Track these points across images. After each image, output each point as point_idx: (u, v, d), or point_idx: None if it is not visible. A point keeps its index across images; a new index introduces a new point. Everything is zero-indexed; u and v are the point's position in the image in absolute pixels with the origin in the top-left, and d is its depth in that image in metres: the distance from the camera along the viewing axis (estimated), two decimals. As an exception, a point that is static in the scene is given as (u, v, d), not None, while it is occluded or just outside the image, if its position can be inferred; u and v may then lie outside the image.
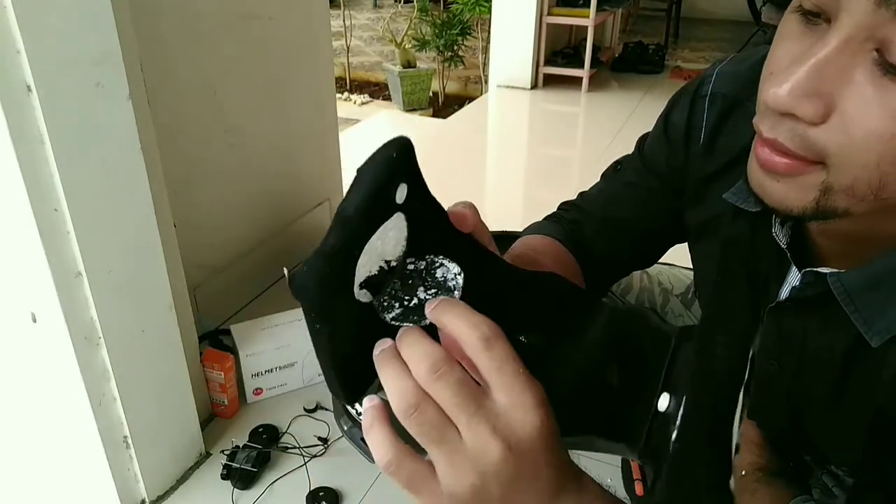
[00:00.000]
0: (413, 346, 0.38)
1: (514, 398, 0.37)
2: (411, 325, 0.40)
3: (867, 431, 0.57)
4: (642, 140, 0.80)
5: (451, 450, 0.37)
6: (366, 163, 0.38)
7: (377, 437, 0.39)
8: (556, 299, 0.49)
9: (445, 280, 0.42)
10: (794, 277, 0.61)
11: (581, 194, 0.85)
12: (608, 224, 0.79)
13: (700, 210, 0.71)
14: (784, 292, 0.62)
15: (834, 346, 0.57)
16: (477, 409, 0.37)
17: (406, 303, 0.41)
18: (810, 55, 0.42)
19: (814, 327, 0.59)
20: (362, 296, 0.39)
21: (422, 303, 0.41)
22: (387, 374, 0.38)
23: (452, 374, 0.37)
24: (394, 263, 0.41)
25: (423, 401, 0.37)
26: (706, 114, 0.68)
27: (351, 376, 0.41)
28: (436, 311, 0.39)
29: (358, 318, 0.40)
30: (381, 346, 0.40)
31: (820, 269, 0.56)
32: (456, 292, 0.41)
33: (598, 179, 0.84)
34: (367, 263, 0.39)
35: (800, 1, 0.45)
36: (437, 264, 0.42)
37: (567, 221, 0.80)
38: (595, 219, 0.79)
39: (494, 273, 0.45)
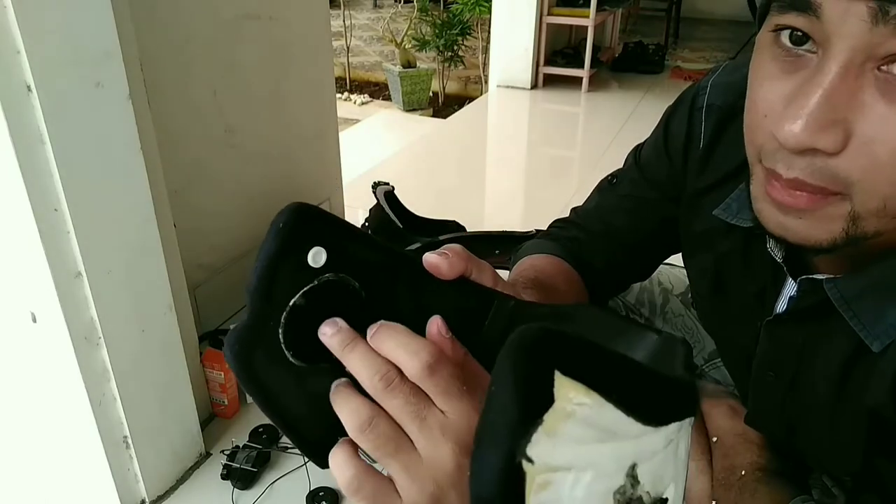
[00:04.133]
0: (364, 359, 0.38)
1: (461, 411, 0.38)
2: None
3: (866, 437, 0.56)
4: (636, 151, 0.80)
5: (406, 459, 0.38)
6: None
7: (340, 457, 0.39)
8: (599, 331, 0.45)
9: None
10: (790, 289, 0.61)
11: (574, 210, 0.85)
12: (608, 239, 0.79)
13: (693, 223, 0.71)
14: (781, 304, 0.62)
15: (834, 354, 0.56)
16: (427, 415, 0.38)
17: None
18: (814, 86, 0.41)
19: (814, 337, 0.58)
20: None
21: None
22: (339, 400, 0.39)
23: (405, 383, 0.38)
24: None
25: (375, 414, 0.38)
26: (704, 125, 0.68)
27: (314, 438, 0.40)
28: (377, 338, 0.39)
29: (307, 381, 0.39)
30: (336, 385, 0.40)
31: (816, 276, 0.55)
32: None
33: (598, 179, 0.84)
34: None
35: (775, 26, 0.44)
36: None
37: (565, 239, 0.80)
38: (594, 234, 0.79)
39: (505, 315, 0.43)
